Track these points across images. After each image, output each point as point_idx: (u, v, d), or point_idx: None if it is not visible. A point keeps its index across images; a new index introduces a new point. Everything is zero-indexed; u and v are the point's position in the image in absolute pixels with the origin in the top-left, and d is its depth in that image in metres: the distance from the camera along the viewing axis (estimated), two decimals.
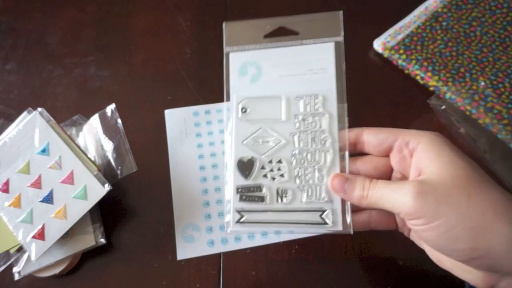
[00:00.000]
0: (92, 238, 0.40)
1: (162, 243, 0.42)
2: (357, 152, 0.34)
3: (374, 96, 0.49)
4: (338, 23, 0.35)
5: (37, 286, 0.40)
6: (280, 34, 0.36)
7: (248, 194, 0.34)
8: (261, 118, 0.35)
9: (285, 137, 0.34)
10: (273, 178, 0.34)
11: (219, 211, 0.43)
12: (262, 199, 0.33)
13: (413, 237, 0.33)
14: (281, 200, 0.33)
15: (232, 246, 0.41)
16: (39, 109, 0.41)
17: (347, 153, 0.33)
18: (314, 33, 0.35)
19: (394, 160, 0.32)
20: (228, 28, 0.36)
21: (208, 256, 0.41)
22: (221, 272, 0.40)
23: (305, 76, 0.35)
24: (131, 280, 0.40)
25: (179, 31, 0.55)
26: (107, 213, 0.42)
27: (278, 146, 0.34)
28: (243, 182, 0.34)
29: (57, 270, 0.39)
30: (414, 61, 0.49)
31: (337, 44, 0.35)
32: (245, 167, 0.34)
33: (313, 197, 0.33)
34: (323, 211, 0.33)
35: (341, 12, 0.35)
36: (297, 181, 0.33)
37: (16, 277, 0.38)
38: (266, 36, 0.36)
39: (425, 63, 0.48)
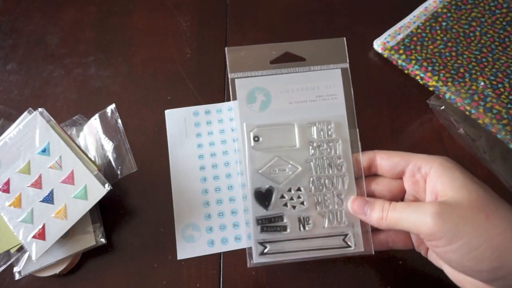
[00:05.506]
0: (92, 238, 0.40)
1: (162, 243, 0.42)
2: (371, 174, 0.34)
3: (374, 96, 0.49)
4: (343, 49, 0.36)
5: (37, 286, 0.40)
6: (286, 60, 0.35)
7: (270, 224, 0.33)
8: (275, 146, 0.34)
9: (302, 164, 0.34)
10: (294, 207, 0.34)
11: (219, 211, 0.43)
12: (284, 228, 0.33)
13: (431, 257, 0.33)
14: (304, 227, 0.33)
15: (232, 246, 0.41)
16: (40, 109, 0.41)
17: (363, 177, 0.34)
18: (320, 60, 0.35)
19: (407, 184, 0.32)
20: (231, 54, 0.35)
21: (208, 256, 0.41)
22: (221, 272, 0.40)
23: (315, 103, 0.35)
24: (131, 280, 0.40)
25: (179, 31, 0.55)
26: (107, 213, 0.43)
27: (295, 174, 0.34)
28: (263, 212, 0.33)
29: (57, 270, 0.39)
30: (413, 61, 0.49)
31: (343, 70, 0.35)
32: (263, 197, 0.34)
33: (335, 221, 0.33)
34: (345, 235, 0.33)
35: (344, 38, 0.36)
36: (318, 207, 0.34)
37: (17, 276, 0.38)
38: (272, 62, 0.35)
39: (424, 63, 0.48)
